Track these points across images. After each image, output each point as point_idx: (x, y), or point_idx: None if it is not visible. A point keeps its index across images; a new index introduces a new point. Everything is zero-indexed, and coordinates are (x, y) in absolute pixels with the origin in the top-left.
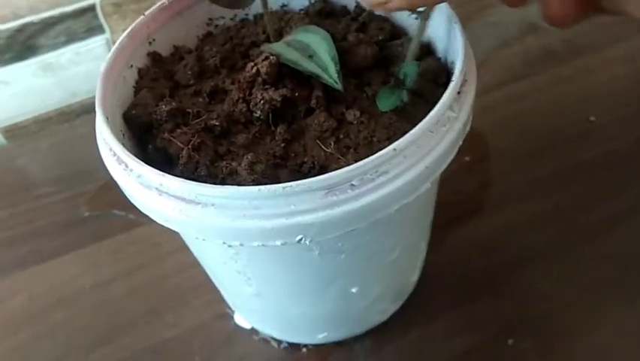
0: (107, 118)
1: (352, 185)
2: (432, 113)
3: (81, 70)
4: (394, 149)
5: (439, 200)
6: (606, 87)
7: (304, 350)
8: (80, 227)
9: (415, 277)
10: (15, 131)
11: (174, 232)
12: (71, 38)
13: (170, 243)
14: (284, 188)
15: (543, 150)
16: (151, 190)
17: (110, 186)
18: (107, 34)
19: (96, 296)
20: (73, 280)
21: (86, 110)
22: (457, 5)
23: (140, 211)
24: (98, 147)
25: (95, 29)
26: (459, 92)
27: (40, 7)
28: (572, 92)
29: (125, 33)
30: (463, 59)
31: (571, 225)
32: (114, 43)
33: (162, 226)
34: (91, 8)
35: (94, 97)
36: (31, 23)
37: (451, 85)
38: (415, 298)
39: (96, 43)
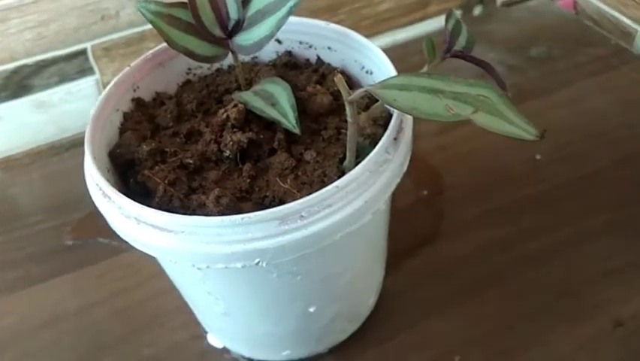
0: (95, 157)
1: (302, 216)
2: (369, 156)
3: (72, 108)
4: (337, 186)
5: (398, 229)
6: (551, 128)
7: None
8: (66, 253)
9: (372, 299)
10: (8, 164)
11: (153, 259)
12: (63, 79)
13: (150, 269)
14: (242, 218)
15: (493, 185)
16: (130, 220)
17: (96, 215)
18: (97, 76)
19: (80, 318)
20: (60, 303)
21: (75, 144)
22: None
23: (121, 238)
24: (85, 180)
25: (85, 71)
26: (395, 138)
27: (35, 51)
28: None
29: (113, 82)
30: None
31: (516, 254)
32: (103, 83)
33: (141, 251)
34: (82, 52)
35: (83, 133)
36: (26, 65)
37: (387, 133)
38: (373, 319)
39: (86, 83)
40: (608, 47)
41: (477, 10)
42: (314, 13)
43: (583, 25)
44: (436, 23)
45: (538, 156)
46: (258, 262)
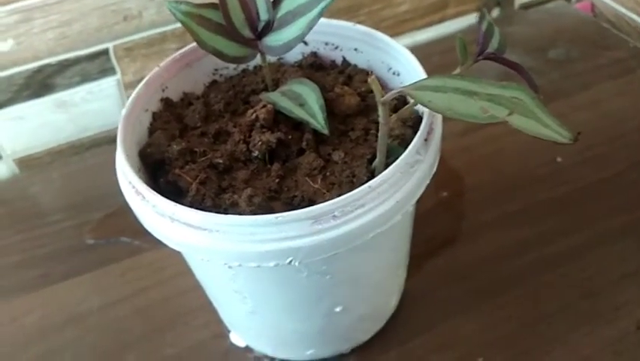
0: (127, 155)
1: (334, 216)
2: (401, 157)
3: (93, 107)
4: (369, 186)
5: (418, 231)
6: (572, 130)
7: None
8: (88, 252)
9: (394, 300)
10: (29, 162)
11: (177, 257)
12: (85, 78)
13: (173, 267)
14: (277, 218)
15: (514, 187)
16: (164, 218)
17: (117, 215)
18: (118, 76)
19: (103, 316)
20: (82, 301)
21: (95, 144)
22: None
23: (146, 234)
24: (105, 179)
25: (107, 71)
26: (425, 139)
27: (57, 51)
28: None
29: (143, 82)
30: (429, 112)
31: (537, 256)
32: (124, 83)
33: (172, 249)
34: (104, 52)
35: (103, 132)
36: (49, 65)
37: (418, 134)
38: (394, 320)
39: (108, 83)
40: (626, 49)
41: (495, 13)
42: (334, 15)
43: (601, 27)
44: (455, 25)
45: (559, 159)
46: (291, 261)
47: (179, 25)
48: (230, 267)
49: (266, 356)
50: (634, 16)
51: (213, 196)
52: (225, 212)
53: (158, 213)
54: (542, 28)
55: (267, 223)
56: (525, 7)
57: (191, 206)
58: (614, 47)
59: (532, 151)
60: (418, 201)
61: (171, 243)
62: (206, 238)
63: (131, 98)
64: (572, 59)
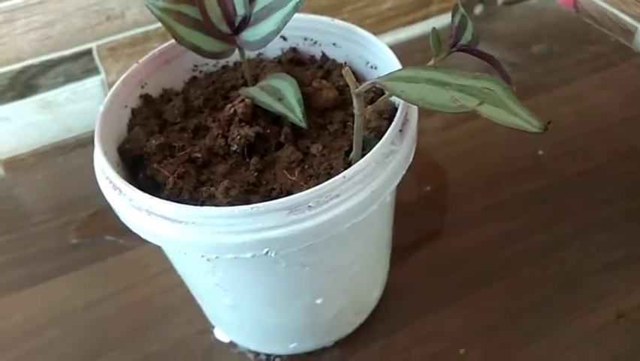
0: (105, 152)
1: (310, 206)
2: (376, 147)
3: (77, 107)
4: (344, 176)
5: (402, 224)
6: (553, 124)
7: (277, 360)
8: (73, 251)
9: (377, 292)
10: (14, 163)
11: (160, 255)
12: (69, 79)
13: (157, 265)
14: (252, 208)
15: (496, 180)
16: (141, 212)
17: (101, 214)
18: (102, 75)
19: (88, 315)
20: (67, 300)
21: (81, 144)
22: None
23: (130, 233)
24: (90, 179)
25: (91, 71)
26: (400, 130)
27: (41, 51)
28: None
29: (121, 79)
30: (404, 103)
31: (518, 248)
32: (108, 83)
33: (150, 243)
34: (88, 52)
35: (88, 132)
36: (33, 65)
37: (393, 124)
38: (378, 313)
39: (92, 83)
40: (608, 44)
41: (478, 9)
42: (317, 12)
43: (583, 22)
44: (439, 22)
45: (540, 152)
46: (267, 252)
47: None
48: (208, 259)
49: (249, 351)
50: (615, 11)
51: (191, 190)
52: (203, 204)
53: (134, 207)
54: (525, 24)
55: (243, 214)
56: (508, 3)
57: (168, 199)
58: (596, 42)
59: (514, 145)
60: (399, 193)
61: (149, 236)
62: (183, 231)
63: (108, 95)
64: (554, 54)
